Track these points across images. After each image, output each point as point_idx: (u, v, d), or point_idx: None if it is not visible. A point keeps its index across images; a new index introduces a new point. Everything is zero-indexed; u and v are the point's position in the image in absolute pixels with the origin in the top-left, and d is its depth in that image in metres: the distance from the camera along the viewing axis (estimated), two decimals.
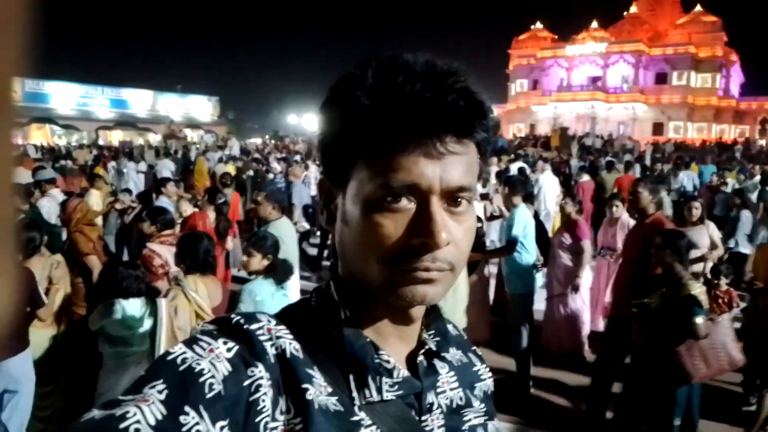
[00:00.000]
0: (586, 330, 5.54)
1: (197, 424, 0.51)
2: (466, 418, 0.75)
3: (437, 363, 0.73)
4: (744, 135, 40.26)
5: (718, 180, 11.27)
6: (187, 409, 0.51)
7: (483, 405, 0.78)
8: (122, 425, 0.48)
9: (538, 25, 52.98)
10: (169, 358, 0.56)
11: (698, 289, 3.22)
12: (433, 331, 0.75)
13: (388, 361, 0.67)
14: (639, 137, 32.86)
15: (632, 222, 5.95)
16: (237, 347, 0.59)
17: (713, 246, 5.40)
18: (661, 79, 46.25)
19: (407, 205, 0.62)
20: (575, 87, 46.97)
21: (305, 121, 52.34)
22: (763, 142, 30.50)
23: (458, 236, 0.64)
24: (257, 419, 0.56)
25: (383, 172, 0.61)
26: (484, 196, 7.59)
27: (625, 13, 50.97)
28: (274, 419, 0.58)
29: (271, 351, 0.61)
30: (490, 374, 0.85)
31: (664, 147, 25.05)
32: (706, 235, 5.37)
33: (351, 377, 0.65)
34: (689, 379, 3.22)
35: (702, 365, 3.20)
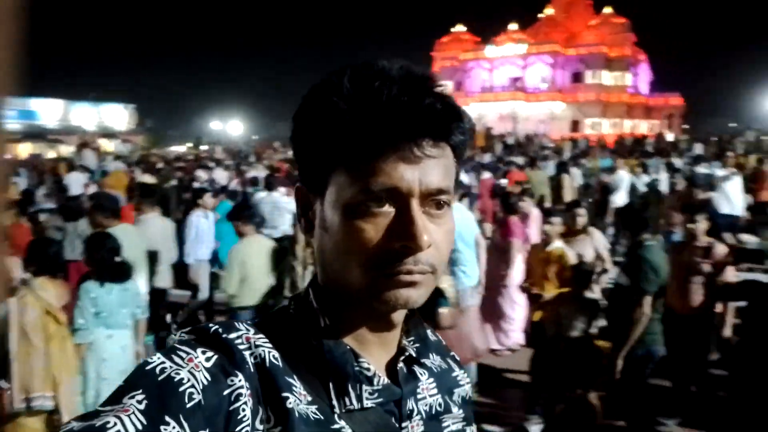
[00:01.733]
0: (514, 327, 5.61)
1: None
2: (445, 424, 0.75)
3: (417, 369, 0.73)
4: (653, 129, 42.63)
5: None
6: (167, 419, 0.52)
7: (461, 411, 0.79)
8: None
9: (460, 27, 54.08)
10: (148, 368, 0.56)
11: (446, 282, 3.40)
12: (413, 338, 0.75)
13: (368, 369, 0.67)
14: (558, 134, 34.10)
15: (537, 214, 6.12)
16: (216, 357, 0.59)
17: (599, 258, 4.74)
18: (577, 78, 48.27)
19: (387, 209, 0.62)
20: (497, 88, 48.28)
21: (230, 127, 51.12)
22: (671, 136, 32.36)
23: (438, 239, 0.65)
24: (237, 429, 0.56)
25: (363, 177, 0.61)
26: None
27: (540, 15, 52.91)
28: (254, 429, 0.58)
29: (251, 360, 0.61)
30: (468, 380, 0.85)
31: (579, 143, 26.05)
32: (590, 246, 4.71)
33: (331, 385, 0.65)
34: None
35: None
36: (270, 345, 0.64)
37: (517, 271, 5.46)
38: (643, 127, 45.38)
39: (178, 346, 0.60)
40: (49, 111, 43.20)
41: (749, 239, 7.48)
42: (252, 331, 0.64)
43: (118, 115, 48.73)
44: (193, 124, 59.58)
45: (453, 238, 0.68)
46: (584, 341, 3.92)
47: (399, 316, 0.71)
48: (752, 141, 21.25)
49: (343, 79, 0.63)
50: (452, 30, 54.02)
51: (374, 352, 0.70)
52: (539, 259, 4.52)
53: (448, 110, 0.63)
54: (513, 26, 50.46)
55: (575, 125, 46.30)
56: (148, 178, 11.63)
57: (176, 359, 0.57)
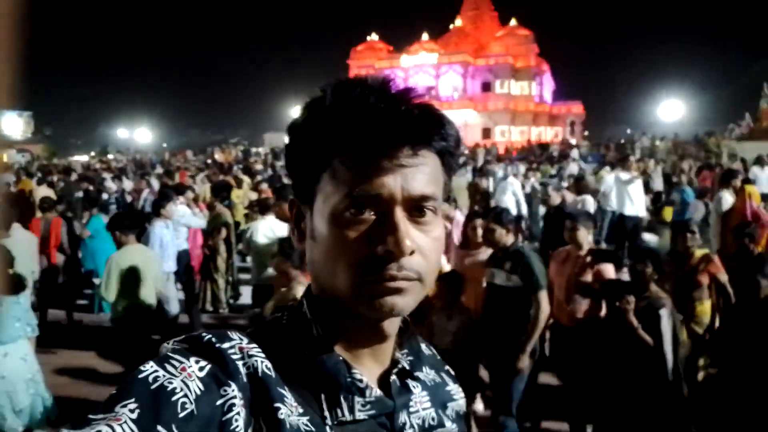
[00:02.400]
0: None
1: None
2: None
3: (410, 382, 0.73)
4: (558, 136, 45.10)
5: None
6: (159, 428, 0.51)
7: (455, 425, 0.78)
8: None
9: (374, 36, 54.71)
10: (141, 376, 0.55)
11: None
12: (406, 350, 0.75)
13: (360, 380, 0.66)
14: (471, 142, 35.25)
15: (459, 219, 6.08)
16: (209, 366, 0.59)
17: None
18: (487, 87, 50.12)
19: (371, 216, 0.63)
20: None
21: (138, 135, 48.89)
22: (573, 142, 34.26)
23: (424, 246, 0.64)
24: None
25: (346, 184, 0.62)
26: None
27: (451, 26, 54.55)
28: None
29: (243, 370, 0.61)
30: (462, 394, 0.84)
31: (492, 149, 27.06)
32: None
33: (323, 396, 0.64)
34: None
35: None
36: (263, 355, 0.63)
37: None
38: (548, 134, 47.82)
39: (171, 354, 0.59)
40: None
41: (651, 238, 8.06)
42: (245, 341, 0.64)
43: (12, 123, 45.25)
44: (98, 132, 56.46)
45: (441, 246, 0.68)
46: (456, 350, 3.89)
47: (391, 326, 0.70)
48: (647, 146, 22.92)
49: (327, 90, 0.65)
50: (367, 39, 54.59)
51: (367, 364, 0.70)
52: None
53: (427, 117, 0.64)
54: (425, 36, 51.69)
55: (486, 133, 48.02)
56: (45, 191, 10.89)
57: (169, 368, 0.57)
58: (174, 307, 5.87)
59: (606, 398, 3.55)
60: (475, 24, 53.33)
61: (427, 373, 0.78)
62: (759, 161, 11.82)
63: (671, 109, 41.74)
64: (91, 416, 0.52)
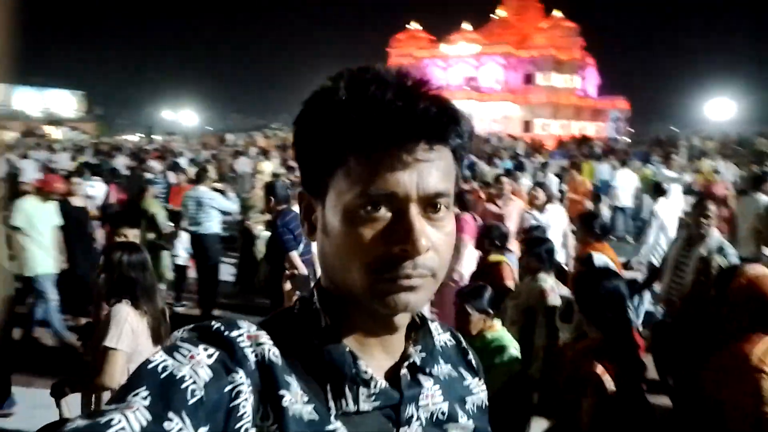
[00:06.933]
0: None
1: (181, 429, 0.53)
2: None
3: (421, 377, 0.72)
4: (600, 131, 44.31)
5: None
6: (170, 415, 0.53)
7: (472, 421, 0.77)
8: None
9: (416, 25, 54.45)
10: (150, 366, 0.57)
11: None
12: (420, 346, 0.74)
13: (365, 372, 0.66)
14: (511, 134, 34.97)
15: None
16: (217, 353, 0.60)
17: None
18: (528, 79, 49.31)
19: (386, 213, 0.63)
20: (453, 86, 48.82)
21: (182, 117, 49.92)
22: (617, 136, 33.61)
23: (438, 242, 0.64)
24: (237, 425, 0.58)
25: (361, 182, 0.62)
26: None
27: (493, 16, 53.84)
28: (254, 425, 0.59)
29: (252, 357, 0.62)
30: (483, 388, 0.83)
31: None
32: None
33: (328, 386, 0.65)
34: None
35: None
36: (271, 343, 0.64)
37: (467, 268, 5.38)
38: (590, 129, 46.98)
39: (179, 343, 0.61)
40: None
41: None
42: (254, 328, 0.66)
43: (64, 102, 46.94)
44: (143, 113, 57.99)
45: (453, 241, 0.68)
46: None
47: (401, 319, 0.71)
48: (697, 146, 21.65)
49: (339, 84, 0.64)
50: (408, 27, 54.36)
51: (377, 356, 0.70)
52: None
53: (444, 114, 0.64)
54: (467, 26, 51.17)
55: (527, 125, 47.43)
56: None
57: (178, 357, 0.59)
58: None
59: None
60: (518, 15, 52.47)
61: (441, 369, 0.77)
62: None
63: (720, 108, 40.35)
64: (104, 407, 0.54)
